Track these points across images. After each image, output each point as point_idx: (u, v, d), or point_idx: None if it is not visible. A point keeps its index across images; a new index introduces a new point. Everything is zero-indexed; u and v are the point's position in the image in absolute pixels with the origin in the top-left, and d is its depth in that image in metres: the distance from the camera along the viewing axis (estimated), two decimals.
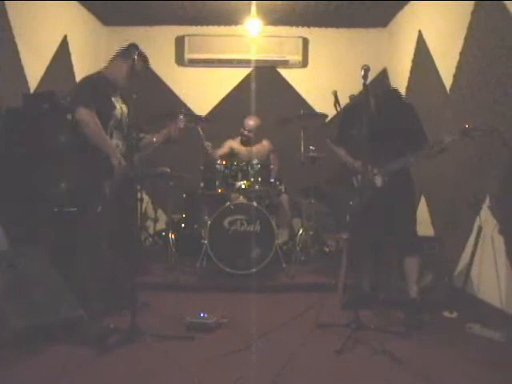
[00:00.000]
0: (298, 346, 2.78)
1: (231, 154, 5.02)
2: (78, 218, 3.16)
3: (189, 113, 4.96)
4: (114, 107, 3.09)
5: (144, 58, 3.17)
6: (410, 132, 3.26)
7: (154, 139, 3.34)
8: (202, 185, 4.47)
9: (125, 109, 3.19)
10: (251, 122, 5.08)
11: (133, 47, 3.12)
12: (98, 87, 3.03)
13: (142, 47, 3.23)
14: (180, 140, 3.46)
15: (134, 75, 3.11)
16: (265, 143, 5.26)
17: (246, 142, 5.15)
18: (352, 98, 3.66)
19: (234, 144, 5.21)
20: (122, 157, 3.06)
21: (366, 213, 3.16)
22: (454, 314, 3.38)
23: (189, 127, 4.04)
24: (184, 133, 3.48)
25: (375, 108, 3.28)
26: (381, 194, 3.23)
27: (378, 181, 3.26)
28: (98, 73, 3.16)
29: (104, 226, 3.00)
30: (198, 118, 4.78)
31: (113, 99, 3.10)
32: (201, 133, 4.53)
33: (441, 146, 3.01)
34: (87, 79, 3.13)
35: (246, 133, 5.08)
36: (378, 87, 3.36)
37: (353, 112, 3.42)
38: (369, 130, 2.94)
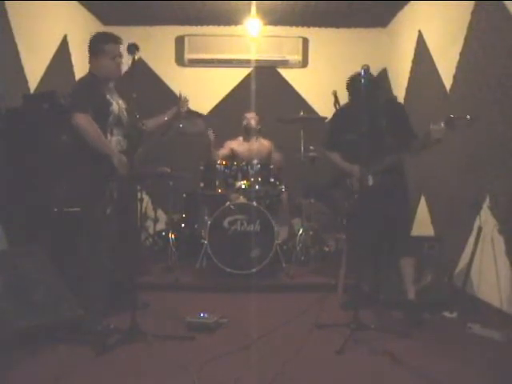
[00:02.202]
0: (298, 346, 2.78)
1: (232, 156, 5.02)
2: (79, 219, 3.16)
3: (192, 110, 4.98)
4: (111, 103, 3.08)
5: (119, 41, 3.12)
6: (399, 129, 3.24)
7: (165, 118, 3.36)
8: (201, 185, 4.48)
9: (122, 104, 3.18)
10: (250, 114, 5.13)
11: (103, 37, 3.10)
12: (90, 88, 3.02)
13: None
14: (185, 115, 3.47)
15: (119, 62, 3.10)
16: (265, 143, 5.26)
17: (247, 134, 5.14)
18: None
19: (235, 144, 5.21)
20: (124, 153, 3.06)
21: (362, 214, 3.16)
22: (454, 314, 3.38)
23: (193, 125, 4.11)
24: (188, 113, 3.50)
25: (365, 108, 3.27)
26: (375, 195, 3.22)
27: (370, 180, 3.25)
28: (89, 73, 3.15)
29: (105, 227, 3.00)
30: (200, 115, 4.80)
31: (108, 96, 3.09)
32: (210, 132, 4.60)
33: (429, 139, 2.91)
34: (80, 82, 3.14)
35: (246, 124, 5.09)
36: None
37: (343, 115, 3.43)
38: (361, 131, 2.95)
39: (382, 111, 3.29)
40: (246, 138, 5.18)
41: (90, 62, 3.13)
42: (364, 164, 3.14)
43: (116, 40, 3.10)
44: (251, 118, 5.11)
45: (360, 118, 2.99)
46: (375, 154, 3.15)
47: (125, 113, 3.15)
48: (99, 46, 3.07)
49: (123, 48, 3.08)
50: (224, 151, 5.11)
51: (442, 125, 2.83)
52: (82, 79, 3.16)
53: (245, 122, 5.14)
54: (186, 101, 3.47)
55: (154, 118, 3.39)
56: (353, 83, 3.32)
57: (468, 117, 2.80)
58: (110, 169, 2.98)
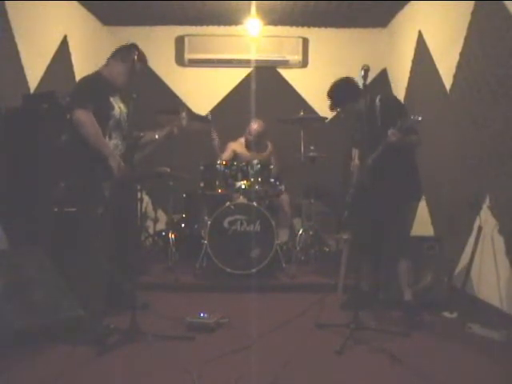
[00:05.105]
0: (298, 346, 2.78)
1: (235, 159, 5.00)
2: (78, 219, 3.16)
3: (192, 113, 4.99)
4: (113, 107, 3.09)
5: (143, 58, 3.17)
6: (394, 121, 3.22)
7: (156, 136, 3.34)
8: (201, 185, 4.48)
9: (124, 109, 3.19)
10: (256, 125, 5.06)
11: (132, 47, 3.14)
12: (96, 88, 3.02)
13: (142, 47, 3.24)
14: (181, 133, 3.48)
15: (132, 75, 3.13)
16: (268, 145, 5.26)
17: (250, 147, 5.14)
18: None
19: (237, 146, 5.20)
20: (122, 157, 3.06)
21: (363, 212, 3.16)
22: (454, 314, 3.38)
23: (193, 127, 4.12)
24: (185, 129, 3.50)
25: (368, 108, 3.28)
26: (375, 195, 3.20)
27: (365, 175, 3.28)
28: (97, 73, 3.15)
29: (104, 227, 3.00)
30: (201, 117, 4.80)
31: (111, 99, 3.10)
32: (212, 131, 4.61)
33: (404, 124, 2.97)
34: (85, 80, 3.13)
35: (251, 138, 5.08)
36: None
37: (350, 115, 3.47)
38: (366, 131, 2.97)
39: (377, 110, 3.29)
40: (250, 148, 5.16)
41: (110, 63, 3.14)
42: (362, 161, 3.22)
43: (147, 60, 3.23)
44: (255, 136, 5.05)
45: (358, 121, 3.03)
46: (372, 151, 3.18)
47: (125, 117, 3.15)
48: (134, 53, 3.10)
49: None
50: (227, 154, 5.09)
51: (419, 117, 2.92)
52: (87, 77, 3.14)
53: (249, 137, 5.09)
54: (184, 118, 3.47)
55: (148, 132, 3.37)
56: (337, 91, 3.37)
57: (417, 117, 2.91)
58: (106, 169, 2.97)
